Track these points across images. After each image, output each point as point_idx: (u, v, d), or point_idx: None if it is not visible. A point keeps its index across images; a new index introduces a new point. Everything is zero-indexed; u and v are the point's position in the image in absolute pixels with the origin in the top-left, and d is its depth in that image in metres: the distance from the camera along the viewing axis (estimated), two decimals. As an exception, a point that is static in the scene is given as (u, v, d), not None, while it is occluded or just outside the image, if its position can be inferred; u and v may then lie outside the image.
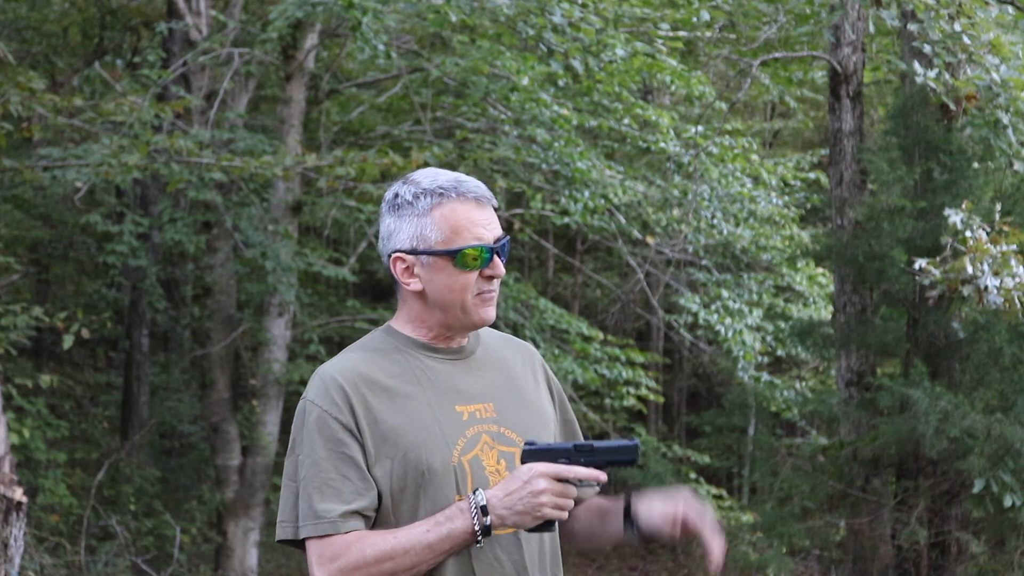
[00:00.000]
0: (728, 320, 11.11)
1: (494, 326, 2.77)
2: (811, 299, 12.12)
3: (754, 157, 11.64)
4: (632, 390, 11.82)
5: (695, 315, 11.42)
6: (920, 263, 6.81)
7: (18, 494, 5.81)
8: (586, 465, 2.45)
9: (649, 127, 10.98)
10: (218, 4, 11.45)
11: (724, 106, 11.30)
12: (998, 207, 7.08)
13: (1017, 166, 7.39)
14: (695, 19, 8.88)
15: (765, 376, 11.00)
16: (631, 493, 2.61)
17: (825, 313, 11.49)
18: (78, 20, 13.34)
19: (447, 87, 11.28)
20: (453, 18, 8.25)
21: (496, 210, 2.62)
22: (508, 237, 2.60)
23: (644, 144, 11.02)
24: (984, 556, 7.60)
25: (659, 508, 2.59)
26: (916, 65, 7.23)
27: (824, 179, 12.24)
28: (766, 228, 11.94)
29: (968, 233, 6.74)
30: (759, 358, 11.44)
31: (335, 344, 14.79)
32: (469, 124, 11.20)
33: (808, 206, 12.82)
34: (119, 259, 10.59)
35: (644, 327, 16.69)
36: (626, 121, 10.72)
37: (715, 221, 11.27)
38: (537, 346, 10.78)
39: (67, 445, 11.39)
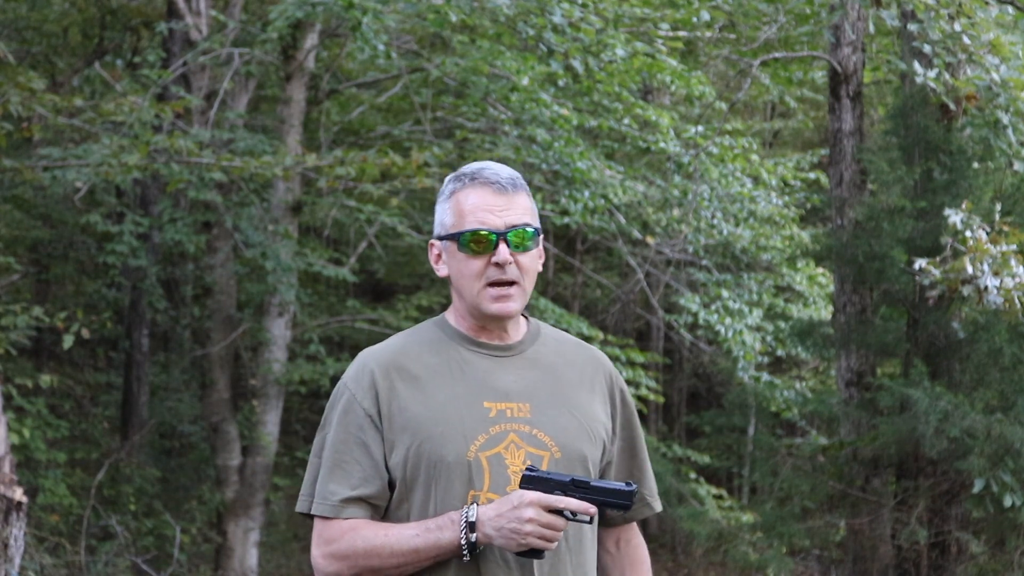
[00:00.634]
0: (728, 320, 11.11)
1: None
2: (811, 299, 12.11)
3: (754, 157, 11.64)
4: (632, 390, 11.81)
5: (695, 315, 11.42)
6: (920, 263, 6.81)
7: (18, 494, 5.81)
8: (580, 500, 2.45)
9: (649, 127, 10.98)
10: (218, 4, 11.45)
11: (724, 106, 11.30)
12: (998, 207, 7.08)
13: (1017, 166, 7.39)
14: (695, 19, 8.88)
15: (765, 376, 10.99)
16: None
17: (825, 313, 11.49)
18: (78, 20, 13.33)
19: (447, 87, 11.28)
20: (453, 18, 8.25)
21: (527, 197, 2.59)
22: (528, 225, 2.55)
23: (644, 144, 11.02)
24: (984, 556, 7.61)
25: None
26: (916, 65, 7.23)
27: (824, 179, 12.23)
28: (766, 228, 11.93)
29: (968, 233, 6.74)
30: (759, 358, 11.44)
31: (335, 344, 14.82)
32: (469, 124, 11.20)
33: (808, 206, 12.81)
34: (119, 259, 10.58)
35: (644, 327, 16.69)
36: (626, 121, 10.72)
37: (715, 221, 11.27)
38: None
39: (67, 445, 11.39)
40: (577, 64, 8.24)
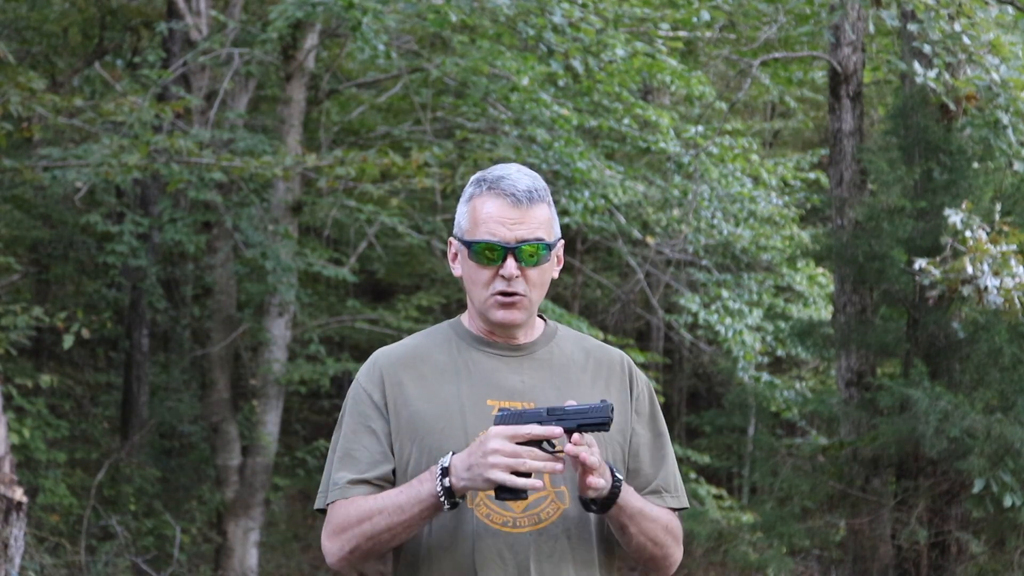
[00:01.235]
0: (728, 320, 11.11)
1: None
2: (811, 299, 12.10)
3: (754, 157, 11.64)
4: (632, 390, 11.78)
5: (695, 315, 11.41)
6: (920, 263, 6.81)
7: (18, 494, 5.81)
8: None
9: (649, 127, 10.97)
10: (218, 4, 11.45)
11: (724, 106, 11.30)
12: (998, 207, 7.08)
13: (1017, 166, 7.39)
14: (695, 19, 8.88)
15: (765, 376, 10.99)
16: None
17: (825, 313, 11.48)
18: (78, 20, 13.33)
19: (447, 87, 11.28)
20: (453, 18, 8.26)
21: (549, 208, 2.58)
22: (545, 242, 2.54)
23: (644, 144, 11.02)
24: (984, 556, 7.60)
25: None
26: (916, 65, 7.23)
27: (824, 179, 12.23)
28: (766, 228, 11.93)
29: (968, 233, 6.74)
30: (759, 358, 11.43)
31: (335, 344, 14.83)
32: (469, 124, 11.20)
33: (808, 206, 12.81)
34: (119, 259, 10.58)
35: (644, 327, 16.69)
36: (626, 121, 10.72)
37: (715, 221, 11.27)
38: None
39: (67, 445, 11.38)
40: (577, 64, 8.24)
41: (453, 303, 14.65)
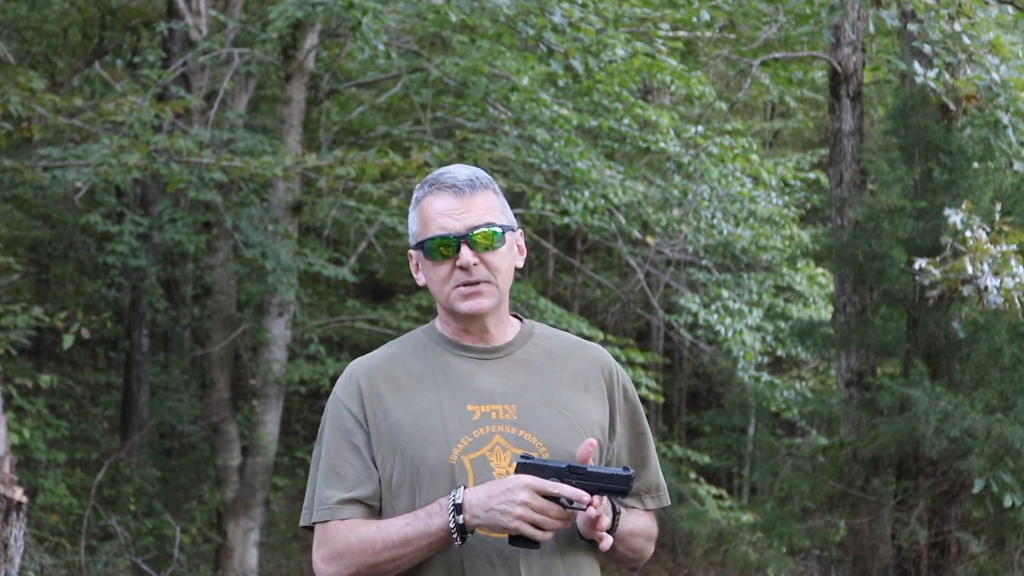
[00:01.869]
0: (728, 320, 11.11)
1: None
2: (811, 299, 12.11)
3: (754, 157, 11.64)
4: (632, 390, 11.79)
5: (695, 315, 11.41)
6: (920, 263, 6.81)
7: (18, 494, 5.81)
8: (577, 487, 2.39)
9: (649, 127, 10.97)
10: (218, 4, 11.45)
11: (724, 106, 11.30)
12: (998, 207, 7.08)
13: (1017, 166, 7.39)
14: (695, 19, 8.88)
15: (765, 376, 10.98)
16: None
17: (825, 313, 11.49)
18: (78, 20, 13.33)
19: (447, 87, 11.27)
20: (453, 18, 8.25)
21: (494, 195, 2.58)
22: (497, 226, 2.54)
23: (644, 144, 11.02)
24: (984, 556, 7.61)
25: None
26: (916, 65, 7.23)
27: (824, 179, 12.23)
28: (766, 228, 11.93)
29: (968, 233, 6.74)
30: (759, 358, 11.44)
31: (335, 344, 14.83)
32: (469, 124, 11.20)
33: (808, 206, 12.81)
34: (119, 259, 10.58)
35: (644, 327, 16.69)
36: (626, 121, 10.72)
37: (715, 221, 11.27)
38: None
39: (67, 445, 11.39)
40: (577, 64, 8.24)
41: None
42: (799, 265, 11.93)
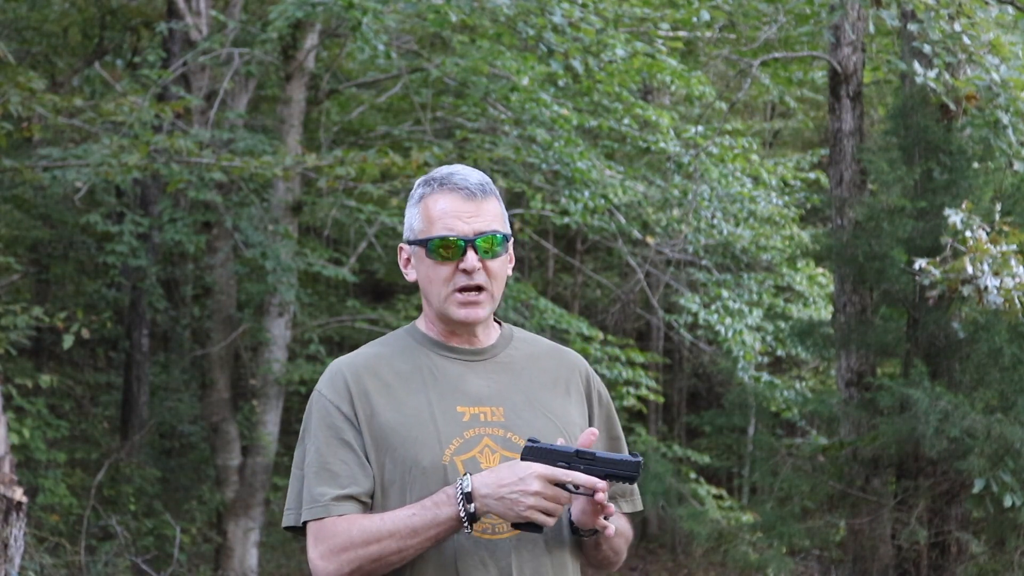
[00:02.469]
0: (728, 320, 11.11)
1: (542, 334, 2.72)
2: (811, 299, 12.11)
3: (754, 157, 11.64)
4: (632, 390, 11.81)
5: (695, 315, 11.41)
6: (920, 263, 6.81)
7: (18, 494, 5.81)
8: (585, 473, 2.40)
9: (649, 127, 10.98)
10: (218, 4, 11.45)
11: (724, 106, 11.30)
12: (998, 207, 7.08)
13: (1017, 166, 7.39)
14: (695, 19, 8.88)
15: (765, 376, 10.99)
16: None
17: (825, 313, 11.49)
18: (78, 20, 13.34)
19: (447, 87, 11.28)
20: (453, 18, 8.25)
21: (498, 202, 2.59)
22: (498, 231, 2.55)
23: (644, 144, 11.02)
24: (984, 556, 7.60)
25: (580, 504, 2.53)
26: (916, 65, 7.23)
27: (824, 179, 12.24)
28: (766, 228, 11.94)
29: (968, 233, 6.74)
30: (759, 358, 11.44)
31: (335, 344, 14.81)
32: (469, 124, 11.20)
33: (808, 206, 12.82)
34: (119, 259, 10.59)
35: (644, 327, 16.69)
36: (626, 121, 10.72)
37: (715, 221, 11.27)
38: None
39: (67, 445, 11.39)
40: (577, 64, 8.24)
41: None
42: (799, 265, 11.94)
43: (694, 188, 10.76)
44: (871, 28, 7.81)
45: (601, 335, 11.83)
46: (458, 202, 2.53)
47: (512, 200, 12.89)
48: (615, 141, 11.86)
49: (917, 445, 7.21)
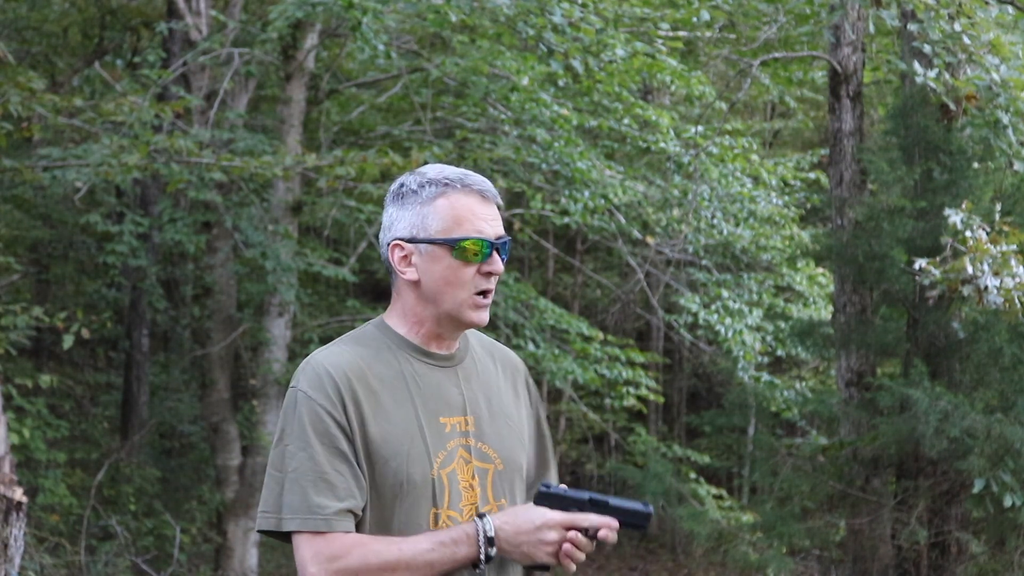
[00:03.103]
0: (728, 320, 11.11)
1: (492, 325, 2.73)
2: (811, 299, 12.11)
3: (754, 157, 11.64)
4: (632, 390, 11.82)
5: (695, 315, 11.42)
6: (920, 263, 6.81)
7: (18, 494, 5.81)
8: None
9: (649, 127, 10.98)
10: (218, 4, 11.45)
11: (724, 106, 11.30)
12: (998, 207, 7.07)
13: (1017, 166, 7.39)
14: (695, 19, 8.88)
15: (765, 376, 10.99)
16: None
17: (825, 313, 11.49)
18: (78, 20, 13.34)
19: (447, 87, 11.28)
20: (453, 18, 8.25)
21: (499, 209, 2.58)
22: (509, 238, 2.55)
23: (644, 144, 11.02)
24: (984, 556, 7.60)
25: None
26: (916, 65, 7.22)
27: (824, 179, 12.24)
28: (766, 228, 11.93)
29: (968, 233, 6.74)
30: (759, 358, 11.44)
31: (335, 344, 14.81)
32: (469, 124, 11.20)
33: (808, 206, 12.82)
34: (119, 259, 10.59)
35: (644, 327, 16.69)
36: (626, 121, 10.72)
37: (715, 221, 11.27)
38: (537, 346, 10.78)
39: (67, 445, 11.39)
40: (577, 64, 8.24)
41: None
42: (799, 265, 11.93)
43: (694, 188, 10.76)
44: (871, 28, 7.80)
45: (601, 335, 11.83)
46: (478, 204, 2.51)
47: (512, 200, 12.89)
48: (615, 141, 11.86)
49: (917, 445, 7.20)
